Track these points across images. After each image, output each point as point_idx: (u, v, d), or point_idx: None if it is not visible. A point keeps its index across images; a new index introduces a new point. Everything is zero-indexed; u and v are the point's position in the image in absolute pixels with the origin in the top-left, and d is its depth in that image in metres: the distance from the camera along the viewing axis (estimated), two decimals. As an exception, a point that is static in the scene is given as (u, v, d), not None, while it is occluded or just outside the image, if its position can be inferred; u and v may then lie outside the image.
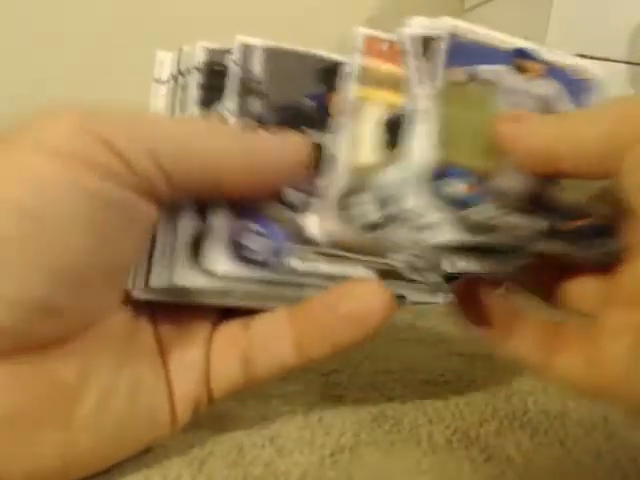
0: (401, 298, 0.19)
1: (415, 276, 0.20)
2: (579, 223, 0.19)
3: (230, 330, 0.20)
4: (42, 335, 0.16)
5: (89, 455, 0.17)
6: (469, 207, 0.18)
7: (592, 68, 0.21)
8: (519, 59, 0.20)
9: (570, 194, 0.19)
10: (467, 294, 0.21)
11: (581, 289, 0.20)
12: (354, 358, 0.28)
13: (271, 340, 0.19)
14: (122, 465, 0.18)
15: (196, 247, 0.18)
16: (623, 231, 0.17)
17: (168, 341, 0.19)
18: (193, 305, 0.19)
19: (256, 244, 0.18)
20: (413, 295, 0.20)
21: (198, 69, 0.21)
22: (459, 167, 0.18)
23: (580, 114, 0.18)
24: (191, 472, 0.18)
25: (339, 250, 0.19)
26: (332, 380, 0.25)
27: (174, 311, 0.20)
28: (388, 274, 0.19)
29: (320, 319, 0.18)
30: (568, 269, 0.20)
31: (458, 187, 0.18)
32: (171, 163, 0.16)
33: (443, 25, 0.19)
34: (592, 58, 0.73)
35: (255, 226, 0.19)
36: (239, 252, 0.18)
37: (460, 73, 0.19)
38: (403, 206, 0.18)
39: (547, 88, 0.20)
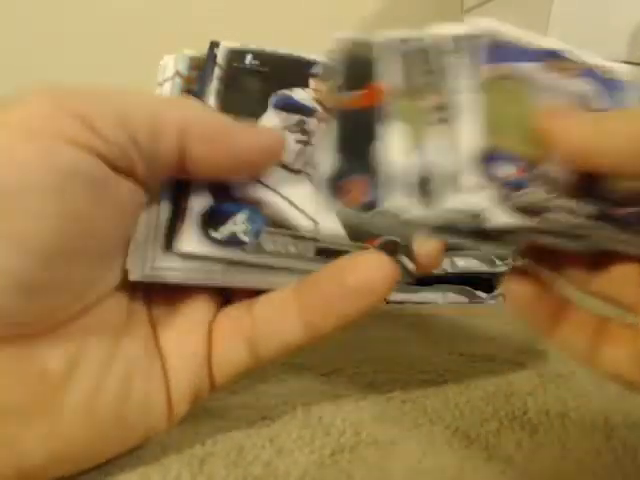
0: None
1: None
2: (630, 210, 0.19)
3: (233, 313, 0.20)
4: (26, 319, 0.15)
5: (81, 448, 0.17)
6: (519, 190, 0.18)
7: (624, 70, 0.21)
8: (552, 59, 0.20)
9: (623, 182, 0.19)
10: (517, 285, 0.21)
11: (622, 280, 0.20)
12: (354, 358, 0.28)
13: (276, 319, 0.19)
14: (121, 464, 0.18)
15: (172, 230, 0.19)
16: None
17: (164, 328, 0.19)
18: (191, 290, 0.20)
19: (233, 226, 0.19)
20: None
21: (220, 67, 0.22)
22: (508, 152, 0.19)
23: (616, 113, 0.19)
24: (191, 472, 0.18)
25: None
26: (332, 380, 0.25)
27: (170, 297, 0.20)
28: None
29: (325, 292, 0.19)
30: (611, 258, 0.20)
31: (508, 170, 0.18)
32: (141, 133, 0.17)
33: (478, 26, 0.20)
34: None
35: (232, 206, 0.19)
36: (210, 232, 0.19)
37: (496, 70, 0.20)
38: (451, 188, 0.18)
39: (583, 86, 0.20)
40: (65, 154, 0.15)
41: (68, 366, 0.17)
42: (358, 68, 0.20)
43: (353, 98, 0.20)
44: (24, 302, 0.15)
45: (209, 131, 0.18)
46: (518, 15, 0.84)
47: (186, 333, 0.19)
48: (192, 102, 0.19)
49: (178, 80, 0.22)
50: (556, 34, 0.73)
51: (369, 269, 0.18)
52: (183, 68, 0.22)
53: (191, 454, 0.19)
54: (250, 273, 0.20)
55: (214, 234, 0.19)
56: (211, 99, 0.21)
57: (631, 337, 0.19)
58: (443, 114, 0.19)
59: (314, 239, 0.20)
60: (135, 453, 0.19)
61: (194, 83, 0.22)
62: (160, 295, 0.20)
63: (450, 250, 0.35)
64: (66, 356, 0.17)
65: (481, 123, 0.19)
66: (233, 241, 0.19)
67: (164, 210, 0.19)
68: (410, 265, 0.21)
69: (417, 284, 0.36)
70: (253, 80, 0.22)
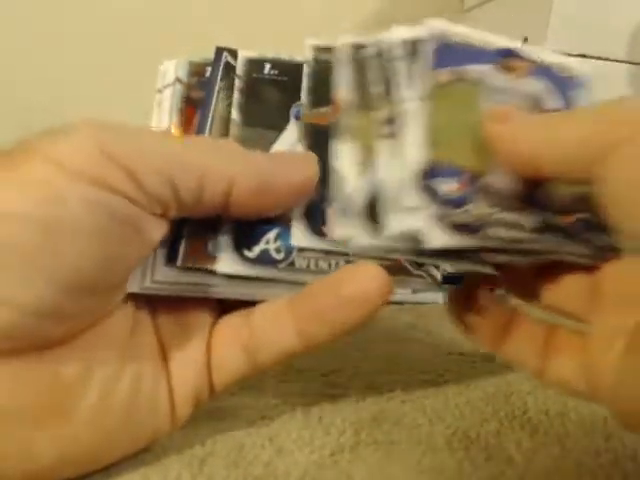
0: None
1: (419, 272, 0.20)
2: (575, 217, 0.19)
3: (231, 321, 0.20)
4: (46, 336, 0.16)
5: (89, 452, 0.17)
6: (461, 206, 0.17)
7: (579, 65, 0.21)
8: (504, 58, 0.20)
9: (565, 189, 0.18)
10: (463, 297, 0.21)
11: (571, 291, 0.19)
12: (354, 358, 0.28)
13: (273, 327, 0.19)
14: (122, 465, 0.18)
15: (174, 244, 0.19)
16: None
17: (168, 336, 0.20)
18: (192, 298, 0.20)
19: (265, 245, 0.19)
20: (419, 287, 0.21)
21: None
22: (450, 166, 0.18)
23: (563, 116, 0.18)
24: (191, 472, 0.18)
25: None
26: (332, 380, 0.25)
27: (174, 306, 0.20)
28: (395, 270, 0.20)
29: (320, 302, 0.19)
30: (559, 269, 0.20)
31: (450, 185, 0.18)
32: (185, 190, 0.17)
33: (428, 28, 0.19)
34: (592, 58, 0.73)
35: (262, 225, 0.19)
36: (244, 252, 0.19)
37: (447, 74, 0.19)
38: (393, 210, 0.18)
39: (534, 86, 0.20)
40: (111, 202, 0.16)
41: (81, 374, 0.17)
42: (322, 80, 0.20)
43: (319, 114, 0.20)
44: (46, 325, 0.16)
45: (256, 189, 0.18)
46: (518, 15, 0.84)
47: (188, 340, 0.19)
48: (237, 152, 0.19)
49: (179, 87, 0.22)
50: (556, 34, 0.73)
51: (364, 280, 0.18)
52: (183, 74, 0.22)
53: (191, 454, 0.19)
54: (249, 286, 0.20)
55: (248, 253, 0.19)
56: (234, 113, 0.21)
57: (579, 346, 0.18)
58: (393, 126, 0.19)
59: (345, 254, 0.20)
60: (135, 453, 0.19)
61: (194, 90, 0.22)
62: (163, 303, 0.20)
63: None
64: (78, 367, 0.17)
65: (424, 135, 0.18)
66: (266, 259, 0.19)
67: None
68: (435, 272, 0.20)
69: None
70: (273, 90, 0.21)
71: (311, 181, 0.19)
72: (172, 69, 0.22)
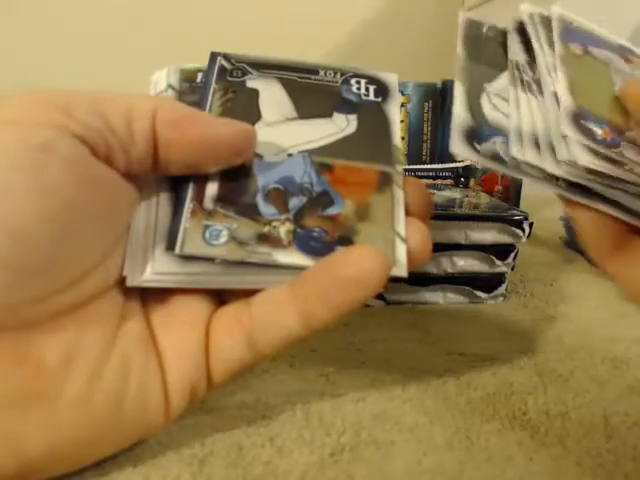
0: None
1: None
2: None
3: (231, 311, 0.20)
4: (15, 301, 0.16)
5: (79, 442, 0.17)
6: (614, 148, 0.19)
7: None
8: (624, 51, 0.23)
9: None
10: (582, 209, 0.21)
11: None
12: (354, 358, 0.28)
13: (274, 312, 0.19)
14: (121, 464, 0.18)
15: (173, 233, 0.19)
16: None
17: (160, 327, 0.19)
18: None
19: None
20: None
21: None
22: (595, 115, 0.20)
23: None
24: (191, 472, 0.18)
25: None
26: (332, 380, 0.25)
27: (167, 297, 0.20)
28: None
29: (320, 284, 0.19)
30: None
31: (598, 130, 0.20)
32: (115, 121, 0.18)
33: (555, 10, 0.24)
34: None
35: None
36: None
37: (577, 48, 0.22)
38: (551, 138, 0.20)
39: None
40: (41, 133, 0.16)
41: (65, 357, 0.17)
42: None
43: None
44: (11, 282, 0.15)
45: (178, 117, 0.19)
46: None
47: (182, 330, 0.19)
48: (164, 97, 0.21)
49: (171, 92, 0.22)
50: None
51: (362, 261, 0.19)
52: (175, 81, 0.22)
53: (191, 454, 0.19)
54: (250, 274, 0.20)
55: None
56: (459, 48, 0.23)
57: None
58: (539, 85, 0.21)
59: None
60: (135, 453, 0.19)
61: (186, 94, 0.22)
62: (156, 293, 0.20)
63: (448, 250, 0.35)
64: (63, 347, 0.17)
65: (571, 88, 0.20)
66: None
67: (163, 213, 0.20)
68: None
69: (417, 284, 0.36)
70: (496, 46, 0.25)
71: (244, 137, 0.20)
72: (164, 77, 0.23)
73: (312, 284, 0.19)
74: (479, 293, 0.36)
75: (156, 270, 0.19)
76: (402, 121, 0.60)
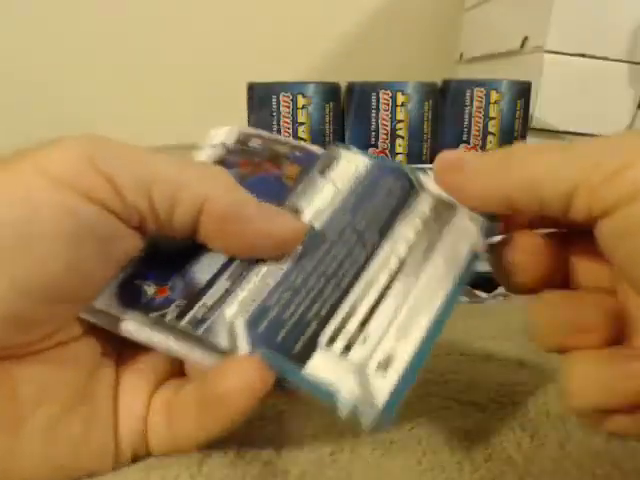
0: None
1: None
2: None
3: (166, 390, 0.19)
4: (10, 345, 0.16)
5: (31, 473, 0.17)
6: None
7: None
8: None
9: None
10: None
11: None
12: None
13: (181, 412, 0.18)
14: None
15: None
16: None
17: (123, 381, 0.19)
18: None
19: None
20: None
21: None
22: None
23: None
24: (190, 472, 0.18)
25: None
26: (332, 380, 0.25)
27: (136, 352, 0.19)
28: None
29: (203, 396, 0.18)
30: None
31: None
32: (160, 201, 0.17)
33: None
34: (592, 58, 0.73)
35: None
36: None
37: None
38: None
39: None
40: (84, 208, 0.16)
41: (38, 391, 0.17)
42: None
43: None
44: (9, 332, 0.16)
45: (228, 212, 0.18)
46: (518, 14, 0.84)
47: (138, 392, 0.19)
48: (219, 176, 0.19)
49: (219, 151, 0.22)
50: (556, 34, 0.72)
51: (234, 377, 0.17)
52: (230, 140, 0.23)
53: (191, 454, 0.19)
54: (157, 336, 0.18)
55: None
56: None
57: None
58: None
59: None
60: (134, 453, 0.19)
61: (233, 155, 0.22)
62: (129, 348, 0.19)
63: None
64: (38, 381, 0.17)
65: None
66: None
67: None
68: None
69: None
70: None
71: (291, 237, 0.19)
72: (223, 134, 0.23)
73: (205, 392, 0.18)
74: (479, 293, 0.36)
75: (97, 304, 0.18)
76: (402, 121, 0.60)
